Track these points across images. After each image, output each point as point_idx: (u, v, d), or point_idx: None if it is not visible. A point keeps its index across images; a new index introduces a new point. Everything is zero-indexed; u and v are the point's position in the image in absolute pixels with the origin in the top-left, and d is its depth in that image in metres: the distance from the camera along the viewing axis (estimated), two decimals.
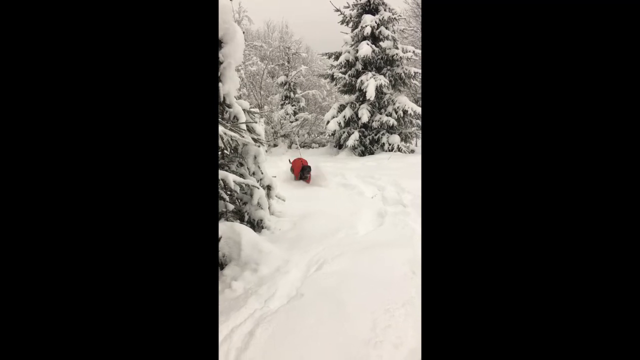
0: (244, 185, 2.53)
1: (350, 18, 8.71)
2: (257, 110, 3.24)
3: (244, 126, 2.53)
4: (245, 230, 2.27)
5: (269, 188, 3.01)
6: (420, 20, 11.41)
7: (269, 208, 2.92)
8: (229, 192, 2.49)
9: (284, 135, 10.45)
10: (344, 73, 8.81)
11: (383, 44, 8.21)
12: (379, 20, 8.13)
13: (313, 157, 7.96)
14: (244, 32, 2.18)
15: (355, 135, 8.25)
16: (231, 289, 1.89)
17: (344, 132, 8.68)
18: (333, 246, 2.44)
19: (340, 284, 1.87)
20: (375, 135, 8.37)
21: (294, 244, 2.51)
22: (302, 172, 4.59)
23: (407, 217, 3.05)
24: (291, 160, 5.18)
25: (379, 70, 8.48)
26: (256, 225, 2.78)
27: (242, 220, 2.76)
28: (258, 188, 2.64)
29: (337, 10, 8.72)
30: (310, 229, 2.87)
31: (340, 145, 8.96)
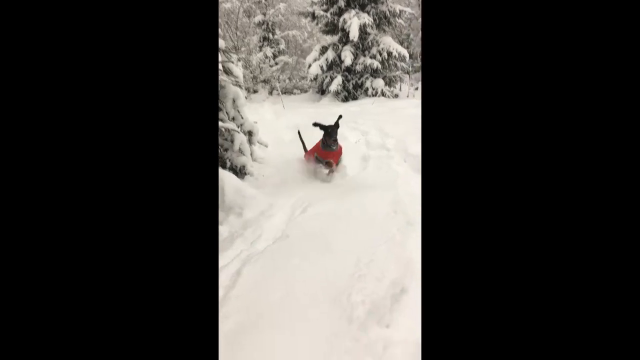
0: (223, 130, 2.44)
1: None
2: (234, 52, 3.02)
3: (219, 66, 2.36)
4: (227, 175, 2.24)
5: (250, 134, 2.92)
6: None
7: (251, 155, 2.86)
8: None
9: (264, 81, 9.98)
10: (326, 11, 8.24)
11: None
12: None
13: (295, 104, 7.73)
14: None
15: (338, 79, 7.97)
16: None
17: (326, 76, 8.35)
18: (317, 190, 2.45)
19: (325, 224, 1.91)
20: (359, 79, 8.12)
21: (277, 188, 2.51)
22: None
23: (390, 161, 3.07)
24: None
25: (362, 7, 7.96)
26: (239, 172, 2.75)
27: (223, 167, 2.71)
28: (239, 133, 2.56)
29: None
30: (294, 174, 2.86)
31: (322, 91, 8.68)
